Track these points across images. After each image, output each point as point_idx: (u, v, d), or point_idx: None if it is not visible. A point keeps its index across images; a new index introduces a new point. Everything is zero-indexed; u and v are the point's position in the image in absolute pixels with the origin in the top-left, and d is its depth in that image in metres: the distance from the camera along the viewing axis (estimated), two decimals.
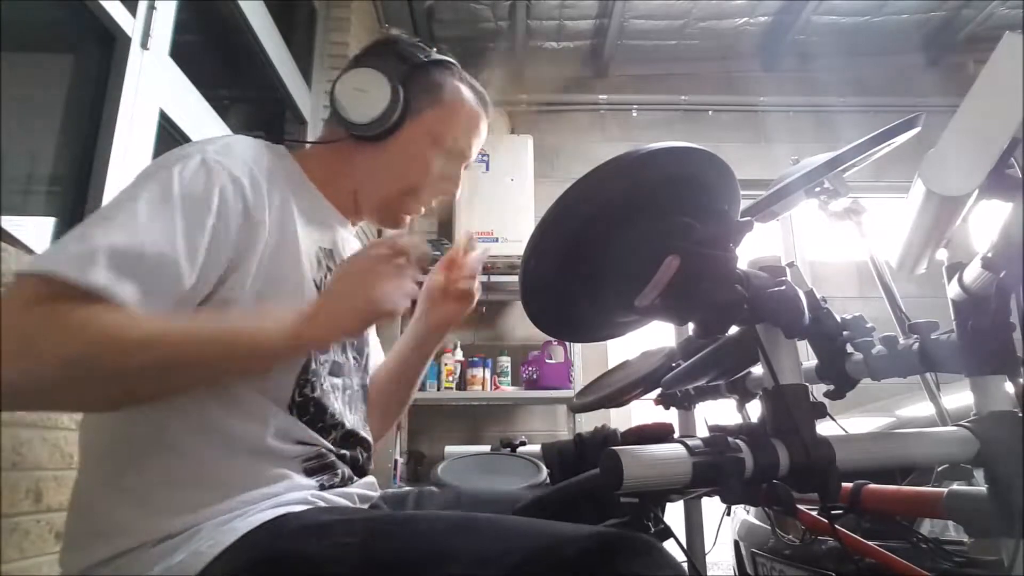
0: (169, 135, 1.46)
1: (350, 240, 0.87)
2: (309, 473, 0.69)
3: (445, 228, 3.08)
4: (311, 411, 0.71)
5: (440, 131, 0.82)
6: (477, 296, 0.93)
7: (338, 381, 0.77)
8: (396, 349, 0.97)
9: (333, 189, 0.82)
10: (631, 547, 0.53)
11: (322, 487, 0.70)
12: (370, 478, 0.81)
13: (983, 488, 0.56)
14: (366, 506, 0.77)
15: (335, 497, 0.71)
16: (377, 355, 0.97)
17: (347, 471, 0.75)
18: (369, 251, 0.67)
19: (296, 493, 0.66)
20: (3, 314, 0.51)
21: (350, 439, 0.77)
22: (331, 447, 0.73)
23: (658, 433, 0.59)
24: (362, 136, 0.79)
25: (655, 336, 1.03)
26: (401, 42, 0.83)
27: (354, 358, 0.82)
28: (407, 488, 0.92)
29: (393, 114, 0.78)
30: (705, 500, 1.15)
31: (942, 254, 0.61)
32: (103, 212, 0.60)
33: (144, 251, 0.57)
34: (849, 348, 0.69)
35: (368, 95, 0.78)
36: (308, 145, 0.86)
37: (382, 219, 0.86)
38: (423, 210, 0.87)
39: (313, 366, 0.71)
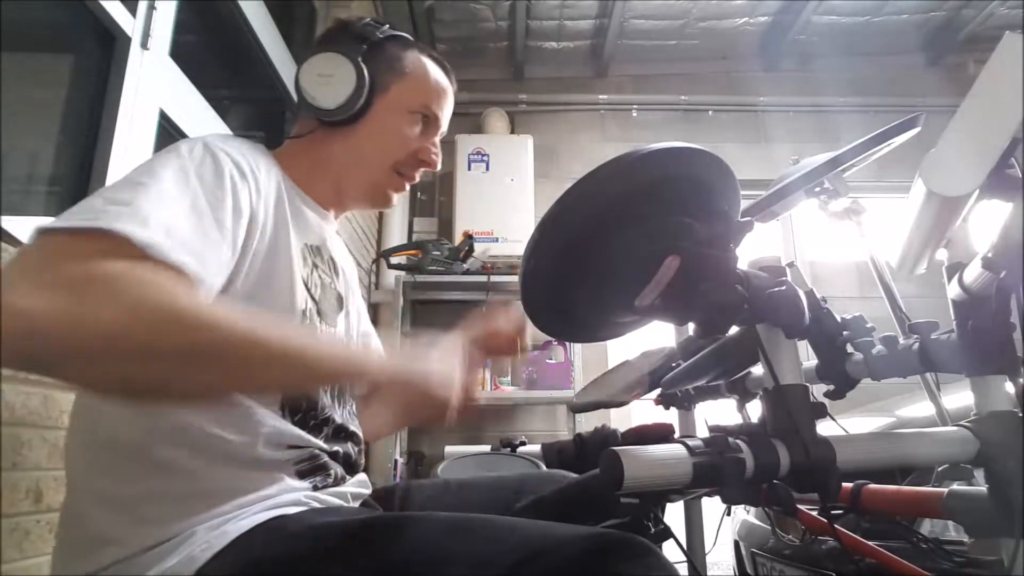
0: (169, 135, 1.46)
1: (333, 235, 0.87)
2: (302, 475, 0.69)
3: (445, 228, 3.08)
4: (303, 406, 0.71)
5: (410, 102, 0.82)
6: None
7: None
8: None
9: (312, 183, 0.81)
10: (628, 549, 0.53)
11: (315, 488, 0.70)
12: (362, 476, 0.80)
13: (983, 488, 0.56)
14: (359, 504, 0.77)
15: (329, 497, 0.71)
16: (379, 347, 0.96)
17: (339, 470, 0.75)
18: (450, 381, 0.66)
19: (289, 495, 0.66)
20: (51, 272, 0.46)
21: (341, 434, 0.77)
22: (323, 446, 0.72)
23: (658, 433, 0.59)
24: (335, 122, 0.79)
25: (655, 336, 1.03)
26: (353, 23, 0.83)
27: None
28: (395, 482, 0.92)
29: (361, 93, 0.78)
30: (705, 500, 1.15)
31: (942, 254, 0.61)
32: (124, 186, 0.56)
33: (193, 223, 0.57)
34: (849, 348, 0.69)
35: (333, 78, 0.78)
36: (285, 143, 0.85)
37: (373, 200, 0.86)
38: (407, 186, 0.87)
39: None
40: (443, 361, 0.66)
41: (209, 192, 0.61)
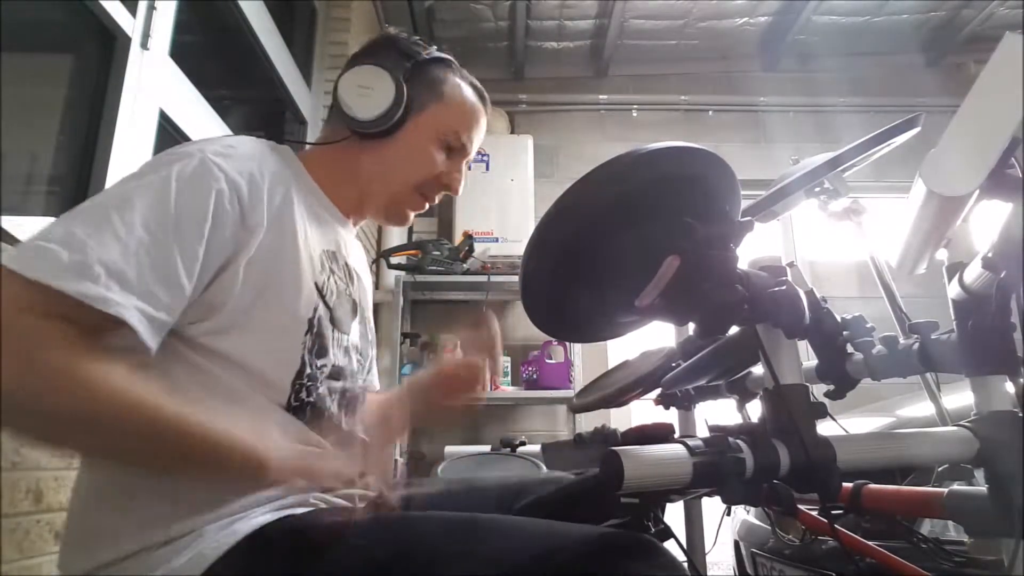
0: (169, 135, 1.46)
1: (351, 241, 0.87)
2: None
3: (445, 228, 3.08)
4: (307, 416, 0.71)
5: (443, 126, 0.83)
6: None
7: (337, 385, 0.76)
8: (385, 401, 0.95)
9: (336, 189, 0.82)
10: (632, 547, 0.53)
11: (322, 488, 0.70)
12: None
13: (983, 488, 0.56)
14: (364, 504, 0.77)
15: (335, 498, 0.71)
16: (373, 375, 0.95)
17: None
18: (341, 472, 0.67)
19: (297, 495, 0.66)
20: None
21: (348, 440, 0.77)
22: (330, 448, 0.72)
23: (658, 433, 0.59)
24: (367, 134, 0.79)
25: (655, 336, 1.03)
26: (401, 39, 0.83)
27: (357, 360, 0.82)
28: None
29: (398, 110, 0.78)
30: (705, 500, 1.15)
31: (942, 254, 0.61)
32: (93, 215, 0.57)
33: (142, 263, 0.56)
34: (849, 348, 0.69)
35: (373, 92, 0.78)
36: (308, 146, 0.85)
37: (388, 216, 0.87)
38: (427, 206, 0.87)
39: (309, 370, 0.70)
40: (340, 461, 0.67)
41: (185, 220, 0.60)
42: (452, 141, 0.84)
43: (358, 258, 0.89)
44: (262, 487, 0.63)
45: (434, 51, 0.84)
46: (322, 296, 0.74)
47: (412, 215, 0.87)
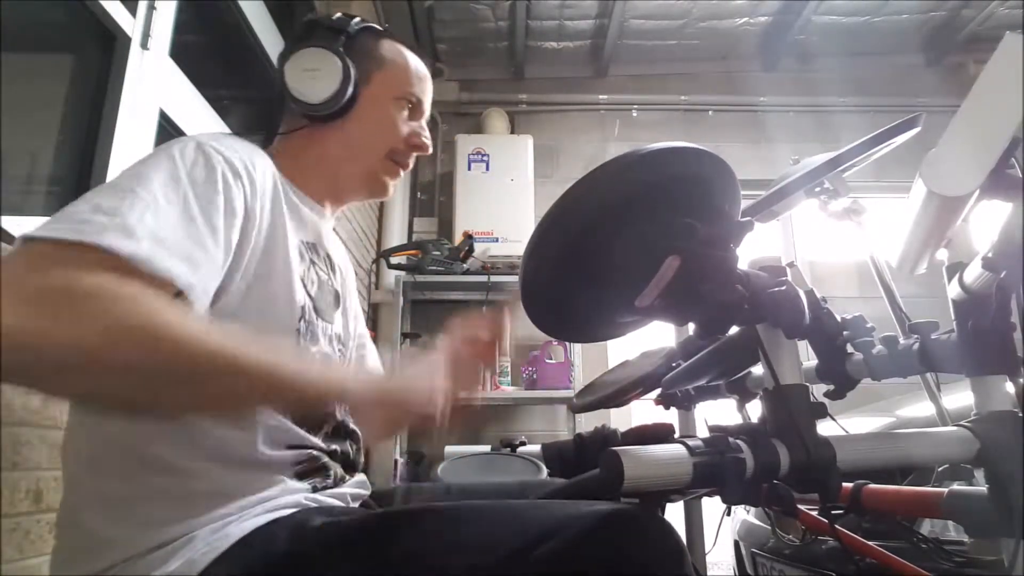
0: (169, 135, 1.46)
1: (329, 233, 0.87)
2: (301, 476, 0.69)
3: (445, 228, 3.08)
4: None
5: (393, 89, 0.83)
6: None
7: None
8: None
9: (307, 179, 0.81)
10: (633, 524, 0.53)
11: (315, 489, 0.70)
12: (361, 476, 0.80)
13: (983, 488, 0.56)
14: (358, 504, 0.77)
15: (328, 499, 0.71)
16: (373, 358, 0.96)
17: (339, 471, 0.75)
18: (455, 349, 0.67)
19: (289, 497, 0.66)
20: (31, 286, 0.46)
21: (340, 431, 0.77)
22: (321, 445, 0.72)
23: (658, 433, 0.59)
24: (325, 116, 0.79)
25: (655, 336, 1.03)
26: (323, 19, 0.83)
27: (339, 351, 0.82)
28: (395, 484, 0.92)
29: (348, 83, 0.78)
30: (705, 500, 1.15)
31: (942, 254, 0.61)
32: (116, 191, 0.56)
33: (178, 229, 0.56)
34: (849, 348, 0.69)
35: (320, 72, 0.78)
36: (273, 143, 0.85)
37: (370, 189, 0.86)
38: (402, 173, 0.88)
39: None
40: (422, 375, 0.65)
41: (201, 194, 0.60)
42: (409, 100, 0.85)
43: (338, 249, 0.89)
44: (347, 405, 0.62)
45: (360, 22, 0.84)
46: (305, 287, 0.74)
47: (392, 184, 0.87)
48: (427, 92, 0.88)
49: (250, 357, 0.52)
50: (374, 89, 0.82)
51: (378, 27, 0.86)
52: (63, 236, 0.50)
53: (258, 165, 0.70)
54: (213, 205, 0.61)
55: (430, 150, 0.88)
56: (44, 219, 0.52)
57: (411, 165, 0.88)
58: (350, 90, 0.78)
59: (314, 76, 0.78)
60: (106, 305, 0.47)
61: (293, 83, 0.78)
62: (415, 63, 0.86)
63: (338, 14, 0.84)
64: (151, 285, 0.51)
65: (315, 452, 0.71)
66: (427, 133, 0.87)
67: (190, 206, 0.59)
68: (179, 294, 0.54)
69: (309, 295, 0.74)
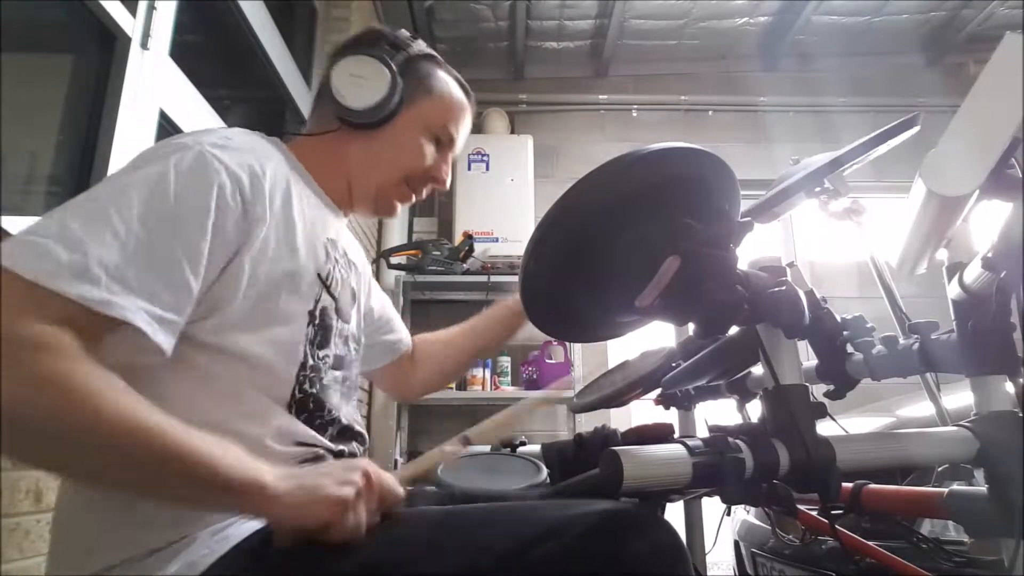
0: (169, 135, 1.46)
1: (344, 231, 0.87)
2: None
3: (445, 228, 3.08)
4: (310, 407, 0.70)
5: (432, 120, 0.83)
6: None
7: (339, 374, 0.77)
8: (479, 323, 1.07)
9: (326, 179, 0.82)
10: (633, 524, 0.53)
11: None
12: None
13: (983, 488, 0.56)
14: None
15: None
16: (402, 332, 1.08)
17: None
18: (350, 470, 0.58)
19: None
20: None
21: (346, 434, 0.77)
22: (329, 445, 0.72)
23: (658, 433, 0.59)
24: (358, 124, 0.79)
25: (655, 336, 1.03)
26: (389, 33, 0.84)
27: (355, 349, 0.83)
28: None
29: (392, 99, 0.78)
30: (705, 500, 1.15)
31: (942, 254, 0.61)
32: (90, 211, 0.55)
33: (143, 263, 0.54)
34: (849, 348, 0.69)
35: (367, 81, 0.78)
36: (295, 137, 0.85)
37: (376, 206, 0.86)
38: (414, 199, 0.88)
39: (312, 362, 0.71)
40: (339, 477, 0.57)
41: (186, 215, 0.58)
42: (441, 135, 0.85)
43: (354, 247, 0.90)
44: (260, 512, 0.56)
45: (423, 46, 0.85)
46: (327, 286, 0.74)
47: (400, 207, 0.87)
48: (463, 131, 0.88)
49: (162, 426, 0.50)
50: (414, 113, 0.82)
51: (437, 56, 0.87)
52: (20, 271, 0.49)
53: (269, 167, 0.69)
54: (199, 226, 0.59)
55: (447, 187, 0.88)
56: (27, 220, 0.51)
57: (424, 196, 0.88)
58: (391, 107, 0.79)
59: (360, 83, 0.78)
60: (32, 355, 0.47)
61: (338, 83, 0.78)
62: (460, 101, 0.87)
63: (403, 31, 0.85)
64: (106, 327, 0.51)
65: (322, 450, 0.71)
66: (449, 168, 0.88)
67: (167, 231, 0.57)
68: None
69: (332, 295, 0.75)
